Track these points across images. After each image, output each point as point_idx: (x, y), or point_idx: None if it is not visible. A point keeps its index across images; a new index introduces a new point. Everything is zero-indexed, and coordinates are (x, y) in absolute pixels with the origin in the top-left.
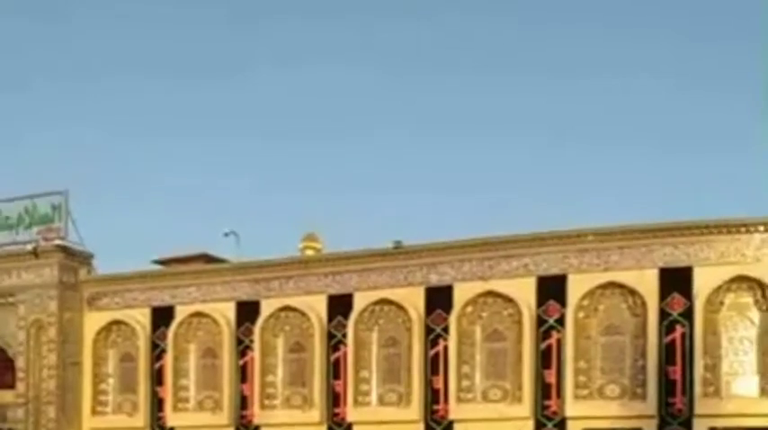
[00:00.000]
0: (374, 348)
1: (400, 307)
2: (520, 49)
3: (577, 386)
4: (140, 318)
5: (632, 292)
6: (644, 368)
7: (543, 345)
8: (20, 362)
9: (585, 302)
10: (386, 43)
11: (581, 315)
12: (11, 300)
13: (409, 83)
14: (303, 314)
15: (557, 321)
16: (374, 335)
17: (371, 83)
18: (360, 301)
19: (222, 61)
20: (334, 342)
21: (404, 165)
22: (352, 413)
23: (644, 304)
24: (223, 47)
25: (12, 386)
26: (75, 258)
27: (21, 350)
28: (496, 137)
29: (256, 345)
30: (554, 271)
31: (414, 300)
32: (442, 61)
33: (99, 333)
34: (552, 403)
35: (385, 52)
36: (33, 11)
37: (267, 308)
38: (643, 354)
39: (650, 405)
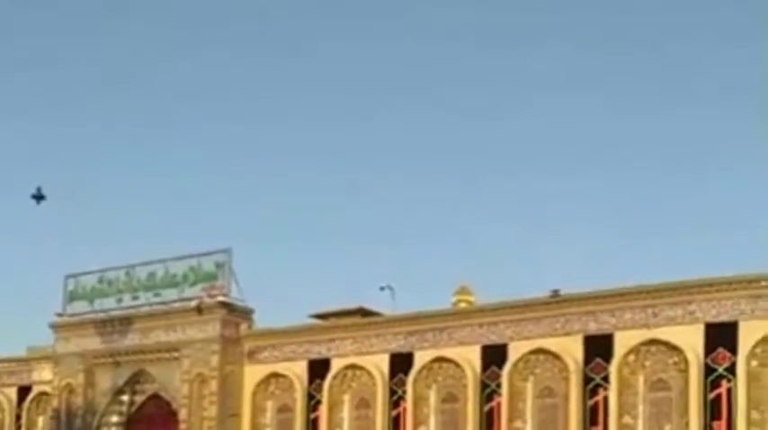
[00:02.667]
0: (529, 398)
1: (557, 356)
2: None
3: None
4: (297, 371)
5: None
6: None
7: (712, 395)
8: (182, 415)
9: (759, 350)
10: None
11: (754, 363)
12: (175, 354)
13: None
14: (457, 365)
15: (727, 370)
16: (529, 386)
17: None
18: (515, 351)
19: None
20: (487, 392)
21: (560, 211)
22: None
23: None
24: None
25: None
26: (236, 314)
27: (184, 402)
28: (655, 175)
29: (409, 396)
30: (724, 317)
31: (571, 349)
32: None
33: (258, 385)
34: None
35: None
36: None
37: (420, 359)
38: None
39: None
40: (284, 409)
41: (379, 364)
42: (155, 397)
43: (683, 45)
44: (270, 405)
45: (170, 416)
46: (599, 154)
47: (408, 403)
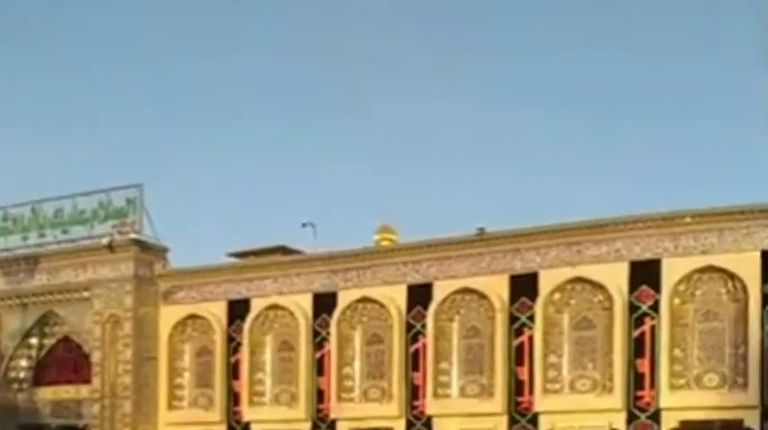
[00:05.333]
0: (455, 339)
1: (483, 295)
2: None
3: (673, 375)
4: (216, 312)
5: (732, 276)
6: (745, 356)
7: (636, 333)
8: (95, 358)
9: (682, 287)
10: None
11: (677, 301)
12: (86, 294)
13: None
14: (381, 305)
15: (650, 308)
16: (455, 326)
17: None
18: (440, 291)
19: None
20: (413, 333)
21: (486, 145)
22: (431, 405)
23: (744, 289)
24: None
25: (88, 381)
26: (150, 252)
27: (96, 345)
28: (583, 113)
29: (333, 338)
30: (647, 255)
31: (497, 288)
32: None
33: (175, 327)
34: (645, 394)
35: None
36: None
37: (344, 299)
38: (744, 342)
39: (752, 395)
40: (203, 352)
41: (301, 304)
42: (65, 339)
43: None
44: (188, 347)
45: (82, 359)
46: (522, 91)
47: (332, 344)
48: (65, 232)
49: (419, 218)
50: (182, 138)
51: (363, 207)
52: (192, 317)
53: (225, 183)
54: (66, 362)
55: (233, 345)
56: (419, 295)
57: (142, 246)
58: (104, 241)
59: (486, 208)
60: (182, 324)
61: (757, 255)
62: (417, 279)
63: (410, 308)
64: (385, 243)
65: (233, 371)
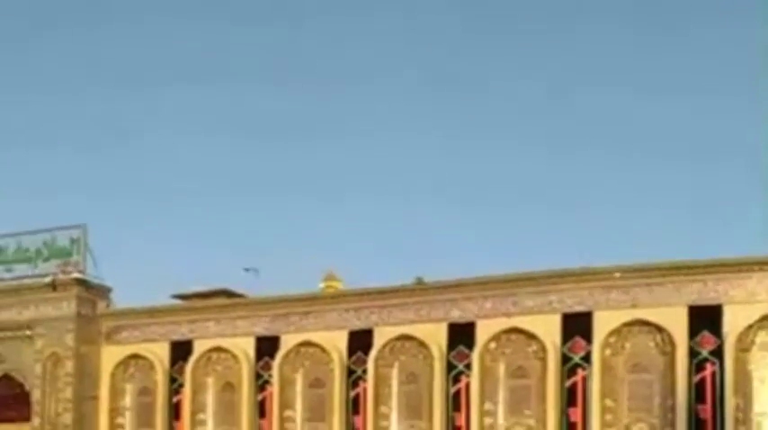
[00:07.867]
0: (394, 384)
1: (422, 343)
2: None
3: (604, 424)
4: (159, 352)
5: (660, 330)
6: (673, 407)
7: (568, 383)
8: (36, 396)
9: (612, 339)
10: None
11: (607, 352)
12: (28, 332)
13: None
14: (323, 349)
15: (582, 358)
16: (395, 372)
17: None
18: (380, 337)
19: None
20: (354, 378)
21: (426, 201)
22: None
23: (672, 342)
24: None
25: (28, 419)
26: (93, 291)
27: (37, 383)
28: (520, 162)
29: (275, 380)
30: (579, 308)
31: (436, 336)
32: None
33: (117, 367)
34: None
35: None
36: None
37: (287, 343)
38: (672, 393)
39: None
40: (145, 392)
41: (244, 347)
42: (6, 377)
43: None
44: (129, 387)
45: (23, 397)
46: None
47: (275, 387)
48: (8, 270)
49: (363, 265)
50: (128, 179)
51: (309, 252)
52: (135, 356)
53: (170, 224)
54: (7, 400)
55: (175, 386)
56: (360, 341)
57: (85, 285)
58: (47, 280)
59: (424, 257)
60: (124, 363)
61: (684, 309)
62: (358, 325)
63: (351, 353)
64: (330, 290)
65: (174, 412)
